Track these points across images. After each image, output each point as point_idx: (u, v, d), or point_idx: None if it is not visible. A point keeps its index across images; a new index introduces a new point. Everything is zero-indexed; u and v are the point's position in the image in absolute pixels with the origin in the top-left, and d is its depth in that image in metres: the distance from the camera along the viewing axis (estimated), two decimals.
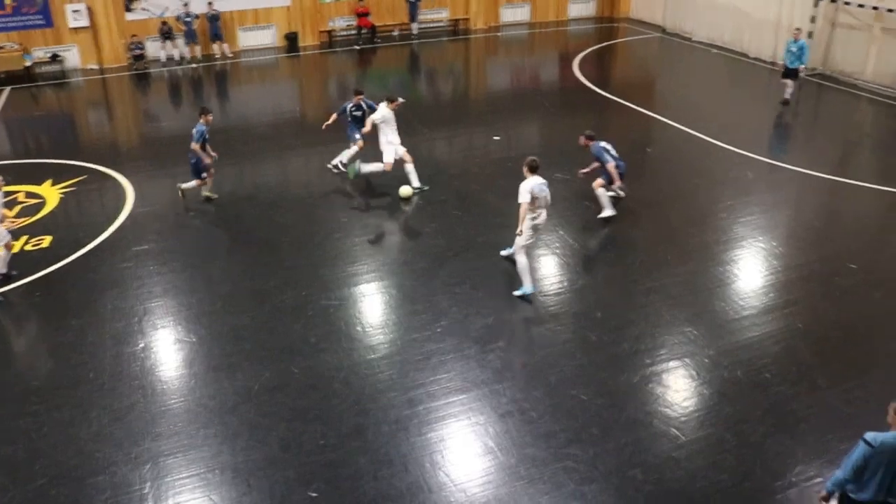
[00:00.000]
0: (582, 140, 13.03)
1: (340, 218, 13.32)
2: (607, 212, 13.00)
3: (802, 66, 18.98)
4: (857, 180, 14.94)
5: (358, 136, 14.43)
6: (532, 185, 10.10)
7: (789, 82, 19.11)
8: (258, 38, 25.80)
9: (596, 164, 13.09)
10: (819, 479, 7.49)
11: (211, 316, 10.34)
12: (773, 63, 23.47)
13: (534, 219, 10.35)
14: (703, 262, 11.76)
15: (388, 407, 8.52)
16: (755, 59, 24.33)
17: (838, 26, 22.14)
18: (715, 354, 9.47)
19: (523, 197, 10.08)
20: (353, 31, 26.67)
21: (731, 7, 25.33)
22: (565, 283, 11.20)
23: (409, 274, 11.42)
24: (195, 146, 13.26)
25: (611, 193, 13.15)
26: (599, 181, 12.96)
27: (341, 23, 26.79)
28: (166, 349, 9.68)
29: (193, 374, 9.15)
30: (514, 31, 28.69)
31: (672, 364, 9.30)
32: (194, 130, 13.28)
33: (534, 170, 10.22)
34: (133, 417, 8.40)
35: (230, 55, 24.87)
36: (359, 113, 14.58)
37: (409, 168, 14.06)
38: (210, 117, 13.52)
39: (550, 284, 11.13)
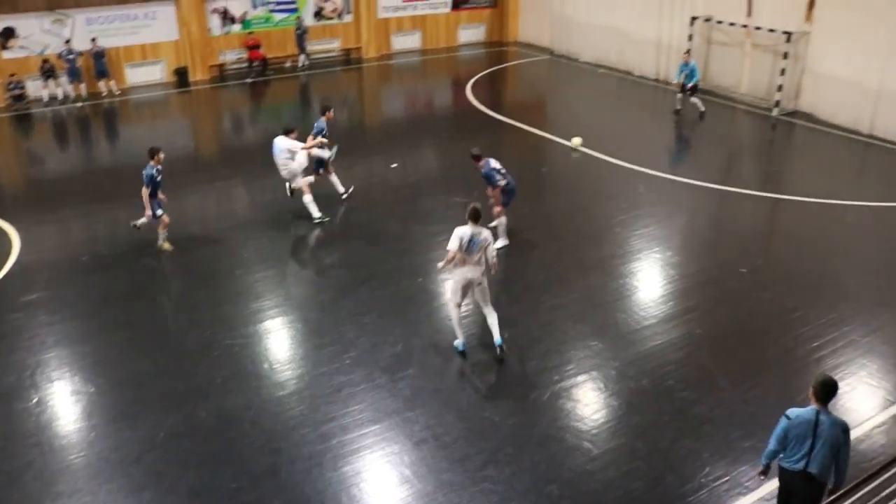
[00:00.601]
0: (473, 159, 12.74)
1: (241, 254, 13.06)
2: (501, 242, 12.82)
3: (692, 85, 20.28)
4: (740, 188, 15.69)
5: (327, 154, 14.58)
6: (462, 233, 9.35)
7: (694, 99, 20.54)
8: (147, 75, 25.16)
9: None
10: (727, 479, 7.78)
11: (108, 364, 9.94)
12: (658, 80, 24.46)
13: (461, 273, 9.52)
14: (602, 276, 12.07)
15: (300, 443, 8.37)
16: (640, 76, 25.29)
17: (713, 43, 23.26)
18: (620, 365, 9.72)
19: (451, 243, 9.34)
20: (245, 65, 26.35)
21: (613, 28, 26.27)
22: (470, 305, 11.24)
23: (314, 307, 11.29)
24: (145, 192, 12.42)
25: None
26: (498, 209, 12.74)
27: (232, 56, 26.43)
28: (63, 402, 9.24)
29: (93, 427, 8.76)
30: (406, 59, 28.93)
31: (580, 378, 9.48)
32: (143, 173, 12.41)
33: (472, 218, 9.40)
34: (29, 478, 7.97)
35: (118, 93, 24.13)
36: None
37: (308, 199, 13.96)
38: (161, 156, 12.52)
39: None
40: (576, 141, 17.95)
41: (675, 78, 21.19)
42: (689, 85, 20.27)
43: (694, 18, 22.96)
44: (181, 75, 25.26)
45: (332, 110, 14.67)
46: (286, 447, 8.31)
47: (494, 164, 12.59)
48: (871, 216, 14.38)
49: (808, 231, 13.96)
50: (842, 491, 6.34)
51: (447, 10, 30.27)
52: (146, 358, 10.03)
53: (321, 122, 14.40)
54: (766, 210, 15.09)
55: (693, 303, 11.27)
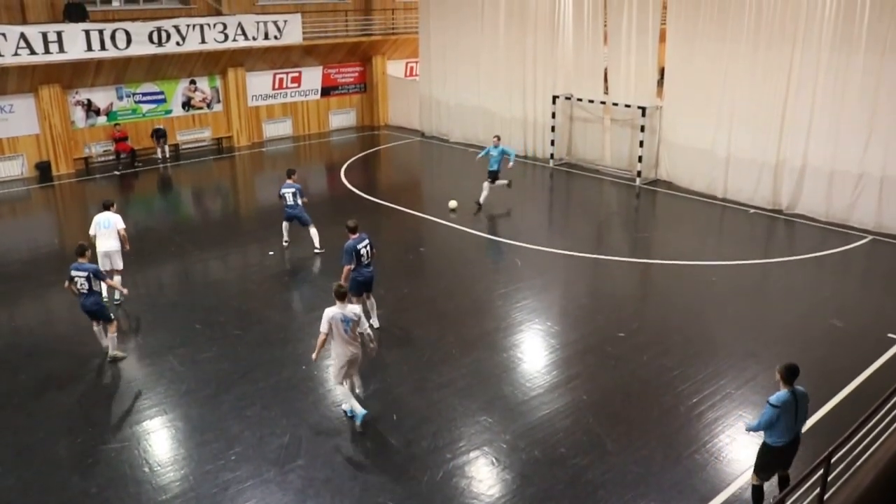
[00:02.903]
0: (348, 230, 12.41)
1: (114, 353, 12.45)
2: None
3: (511, 165, 19.41)
4: (612, 255, 16.33)
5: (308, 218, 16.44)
6: (332, 314, 9.56)
7: (498, 182, 19.39)
8: (5, 170, 24.01)
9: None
10: None
11: None
12: (528, 157, 25.39)
13: (342, 354, 9.71)
14: (486, 350, 12.17)
15: None
16: None
17: (576, 120, 24.47)
18: (511, 438, 9.75)
19: (322, 325, 9.59)
20: (112, 157, 25.66)
21: (480, 109, 27.23)
22: (357, 390, 11.10)
23: (194, 403, 10.82)
24: (109, 282, 11.97)
25: None
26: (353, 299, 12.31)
27: (98, 149, 25.70)
28: None
29: None
30: (278, 146, 28.91)
31: (472, 455, 9.44)
32: (93, 269, 11.61)
33: (339, 296, 9.64)
34: None
35: None
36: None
37: (116, 280, 13.56)
38: (89, 254, 11.93)
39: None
40: (452, 203, 19.49)
41: (491, 164, 19.42)
42: (496, 178, 19.31)
43: (556, 97, 24.13)
44: (43, 170, 24.33)
45: (295, 173, 16.88)
46: None
47: (359, 245, 12.14)
48: (732, 274, 15.24)
49: (678, 292, 14.61)
50: None
51: (317, 96, 30.66)
52: (9, 473, 9.27)
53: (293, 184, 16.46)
54: (637, 275, 15.73)
55: (576, 370, 11.50)
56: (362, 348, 9.92)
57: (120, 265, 13.97)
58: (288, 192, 16.32)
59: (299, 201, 16.36)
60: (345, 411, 10.29)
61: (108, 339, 11.99)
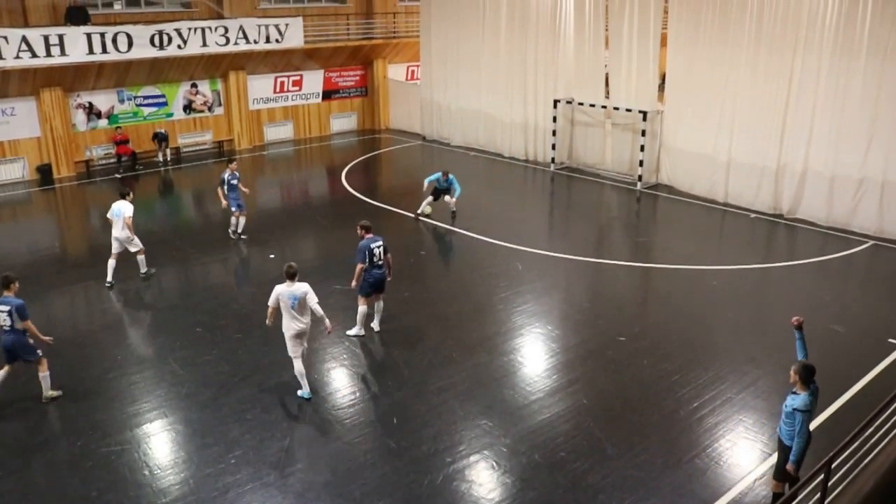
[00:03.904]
0: (360, 232, 12.67)
1: (114, 356, 12.44)
2: (355, 330, 12.73)
3: (454, 200, 19.03)
4: (613, 259, 16.33)
5: (235, 208, 17.42)
6: (280, 291, 10.55)
7: (431, 200, 19.31)
8: (6, 173, 24.02)
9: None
10: None
11: None
12: (528, 161, 25.40)
13: (289, 327, 10.62)
14: (487, 354, 12.17)
15: None
16: (510, 157, 26.19)
17: (577, 124, 24.48)
18: (511, 442, 9.74)
19: (270, 300, 10.63)
20: (113, 160, 25.67)
21: (481, 113, 27.25)
22: (357, 393, 11.13)
23: (195, 406, 10.82)
24: (29, 324, 10.54)
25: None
26: (360, 298, 12.60)
27: (99, 151, 25.71)
28: None
29: None
30: (279, 149, 28.93)
31: (472, 458, 9.44)
32: (9, 308, 10.42)
33: (289, 276, 10.56)
34: None
35: None
36: (234, 181, 17.30)
37: (140, 259, 15.21)
38: (15, 286, 10.73)
39: (343, 396, 11.01)
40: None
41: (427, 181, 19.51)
42: (444, 194, 19.19)
43: (557, 101, 24.15)
44: (44, 173, 24.35)
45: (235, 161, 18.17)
46: None
47: (373, 244, 12.38)
48: (733, 278, 15.24)
49: (678, 296, 14.61)
50: None
51: (318, 100, 30.69)
52: (9, 476, 9.28)
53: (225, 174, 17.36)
54: (638, 279, 15.74)
55: (577, 374, 11.50)
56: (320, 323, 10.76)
57: (136, 247, 15.09)
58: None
59: (225, 190, 17.32)
60: (301, 396, 10.90)
61: (41, 380, 10.87)
